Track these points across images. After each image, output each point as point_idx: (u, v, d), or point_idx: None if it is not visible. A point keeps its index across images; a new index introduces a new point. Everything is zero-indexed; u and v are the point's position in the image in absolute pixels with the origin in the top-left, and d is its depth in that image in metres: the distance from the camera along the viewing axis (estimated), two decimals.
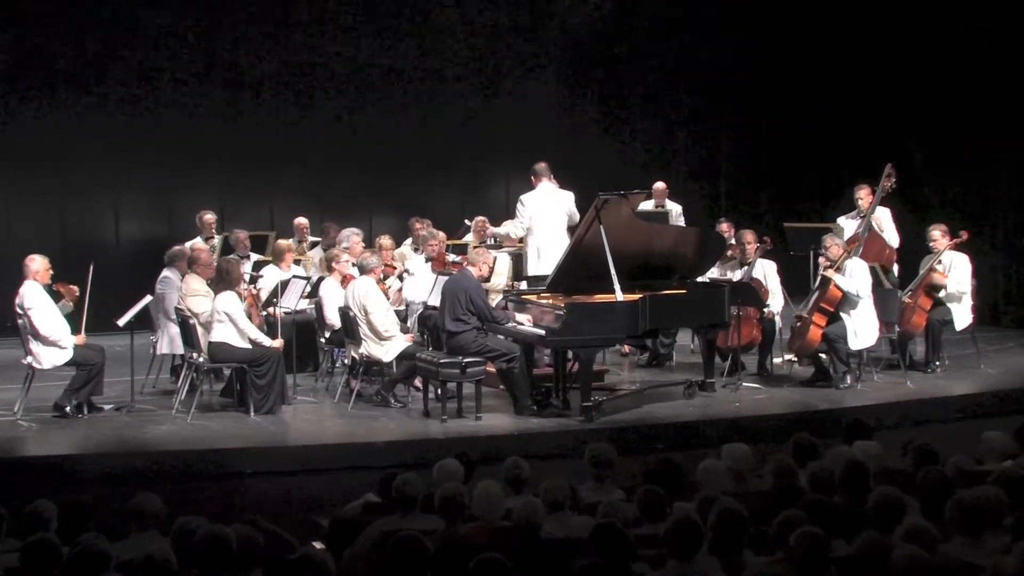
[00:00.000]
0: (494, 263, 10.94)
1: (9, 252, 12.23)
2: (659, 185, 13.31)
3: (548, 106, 15.99)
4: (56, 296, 9.80)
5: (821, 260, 10.73)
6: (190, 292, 10.05)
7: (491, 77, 15.95)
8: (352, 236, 11.53)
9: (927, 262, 11.25)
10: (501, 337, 9.88)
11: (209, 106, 14.82)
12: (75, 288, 9.90)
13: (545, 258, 10.75)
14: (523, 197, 10.98)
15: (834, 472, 5.80)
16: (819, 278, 10.74)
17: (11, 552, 5.23)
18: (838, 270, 10.46)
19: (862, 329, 10.47)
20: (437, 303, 10.44)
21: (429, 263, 11.50)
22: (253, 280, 10.39)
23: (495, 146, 15.54)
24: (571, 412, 9.72)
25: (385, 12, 15.46)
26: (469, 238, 12.89)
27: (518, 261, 11.47)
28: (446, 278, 10.32)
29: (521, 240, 11.29)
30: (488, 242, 11.63)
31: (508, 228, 11.23)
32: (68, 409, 9.67)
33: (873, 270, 10.78)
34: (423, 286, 11.04)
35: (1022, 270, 14.38)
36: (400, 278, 11.27)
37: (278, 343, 9.90)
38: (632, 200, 10.12)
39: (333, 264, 10.98)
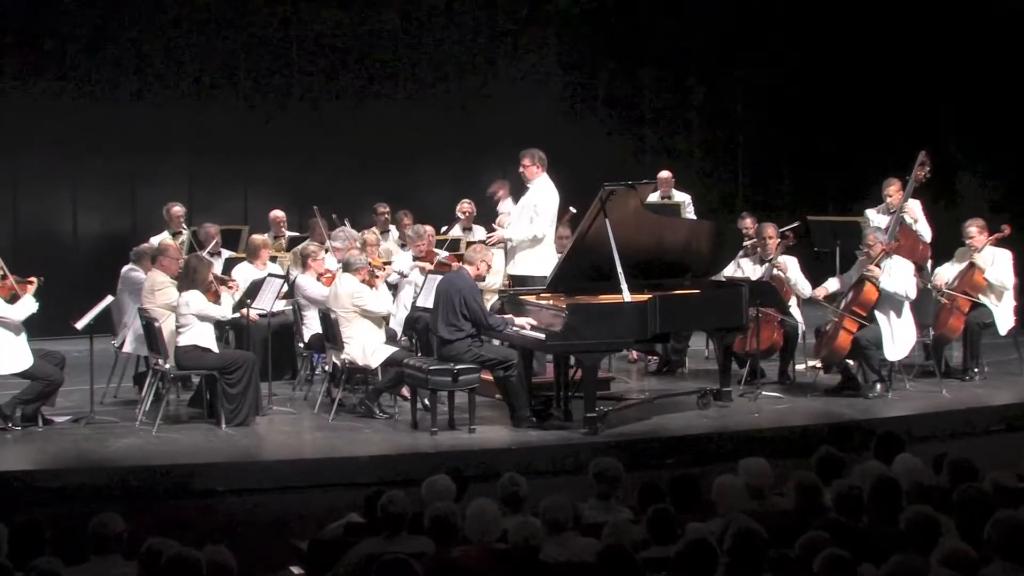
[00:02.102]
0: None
1: None
2: (664, 174, 13.29)
3: (547, 91, 15.98)
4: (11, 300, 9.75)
5: (861, 258, 10.70)
6: (156, 287, 10.03)
7: (486, 59, 15.94)
8: (349, 240, 11.47)
9: (962, 254, 11.24)
10: (496, 342, 9.88)
11: (176, 90, 14.79)
12: (32, 280, 9.86)
13: (546, 258, 10.70)
14: (548, 194, 10.72)
15: (862, 489, 5.81)
16: (855, 277, 10.72)
17: None
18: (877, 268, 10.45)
19: (900, 334, 10.45)
20: (428, 304, 10.44)
21: (416, 261, 11.49)
22: (223, 282, 10.36)
23: (490, 134, 15.53)
24: (574, 424, 9.73)
25: None
26: (456, 232, 12.88)
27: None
28: (439, 278, 10.31)
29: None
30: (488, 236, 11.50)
31: (537, 232, 10.70)
32: (10, 421, 9.62)
33: None
34: (414, 282, 11.09)
35: None
36: (391, 286, 11.23)
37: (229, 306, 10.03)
38: (641, 191, 10.12)
39: (309, 261, 10.97)
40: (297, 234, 13.02)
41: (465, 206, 13.15)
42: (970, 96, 14.49)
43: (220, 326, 10.34)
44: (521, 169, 10.82)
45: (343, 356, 10.08)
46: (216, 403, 9.83)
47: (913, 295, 10.43)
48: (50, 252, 13.79)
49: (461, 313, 9.55)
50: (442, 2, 15.73)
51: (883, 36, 15.54)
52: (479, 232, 13.02)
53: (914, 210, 11.38)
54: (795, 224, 11.57)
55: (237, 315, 10.27)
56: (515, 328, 9.66)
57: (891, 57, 15.49)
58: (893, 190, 11.45)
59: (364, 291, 10.08)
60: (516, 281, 10.79)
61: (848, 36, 15.85)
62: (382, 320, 10.33)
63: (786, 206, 15.77)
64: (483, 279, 10.37)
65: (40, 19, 14.23)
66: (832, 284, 10.95)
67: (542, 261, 10.67)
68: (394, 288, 11.28)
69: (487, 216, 12.82)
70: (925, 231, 11.45)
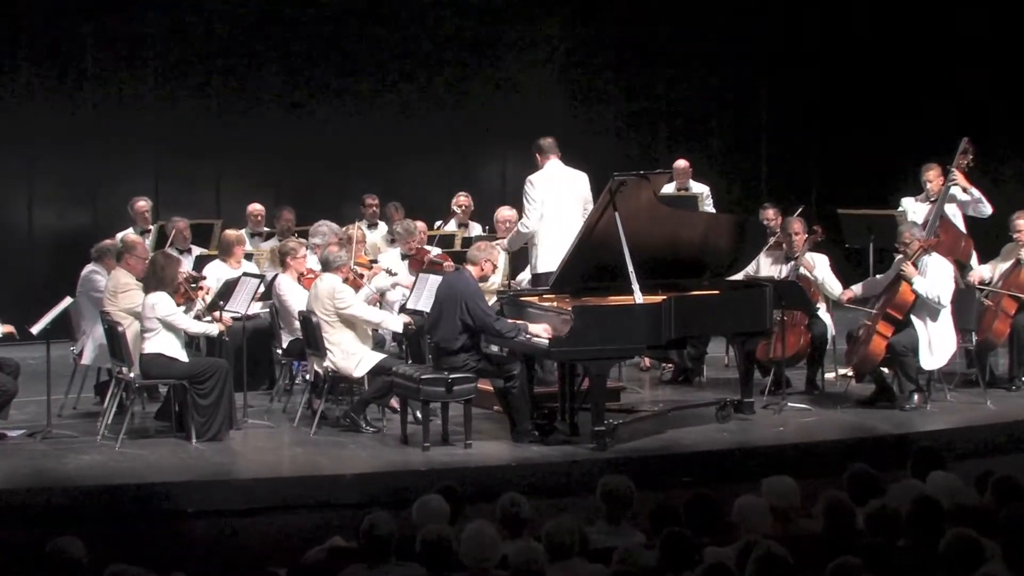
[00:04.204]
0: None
1: None
2: (680, 163, 13.31)
3: (551, 74, 15.98)
4: None
5: (898, 257, 10.68)
6: (120, 288, 10.03)
7: (484, 40, 15.94)
8: (331, 235, 11.46)
9: (1009, 251, 11.23)
10: (496, 348, 9.87)
11: (142, 76, 14.79)
12: None
13: (557, 253, 10.70)
14: (531, 178, 10.88)
15: (899, 511, 5.81)
16: (891, 277, 10.70)
17: None
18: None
19: (938, 342, 10.43)
20: (419, 306, 10.43)
21: (407, 261, 11.51)
22: (195, 281, 10.36)
23: (489, 122, 15.54)
24: (580, 438, 9.73)
25: None
26: (451, 227, 12.89)
27: (518, 256, 11.44)
28: (431, 277, 10.30)
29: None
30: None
31: (522, 227, 10.89)
32: None
33: None
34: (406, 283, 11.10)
35: None
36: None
37: (217, 327, 10.04)
38: (654, 182, 10.13)
39: (288, 259, 10.95)
40: (269, 229, 13.02)
41: (461, 199, 13.16)
42: (1012, 74, 14.48)
43: None
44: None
45: (325, 364, 10.07)
46: (186, 416, 9.83)
47: (946, 303, 10.40)
48: (3, 251, 13.79)
49: (461, 319, 9.53)
50: None
51: (916, 11, 15.55)
52: (476, 228, 13.03)
53: (962, 178, 11.30)
54: (800, 209, 11.55)
55: (210, 326, 10.23)
56: (527, 336, 9.59)
57: (926, 34, 15.49)
58: (933, 175, 11.45)
59: (347, 292, 10.06)
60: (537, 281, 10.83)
61: (878, 11, 15.85)
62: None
63: (814, 199, 15.78)
64: (487, 280, 10.35)
65: None
66: (857, 288, 10.90)
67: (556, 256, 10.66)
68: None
69: (486, 212, 12.82)
70: (983, 205, 11.37)
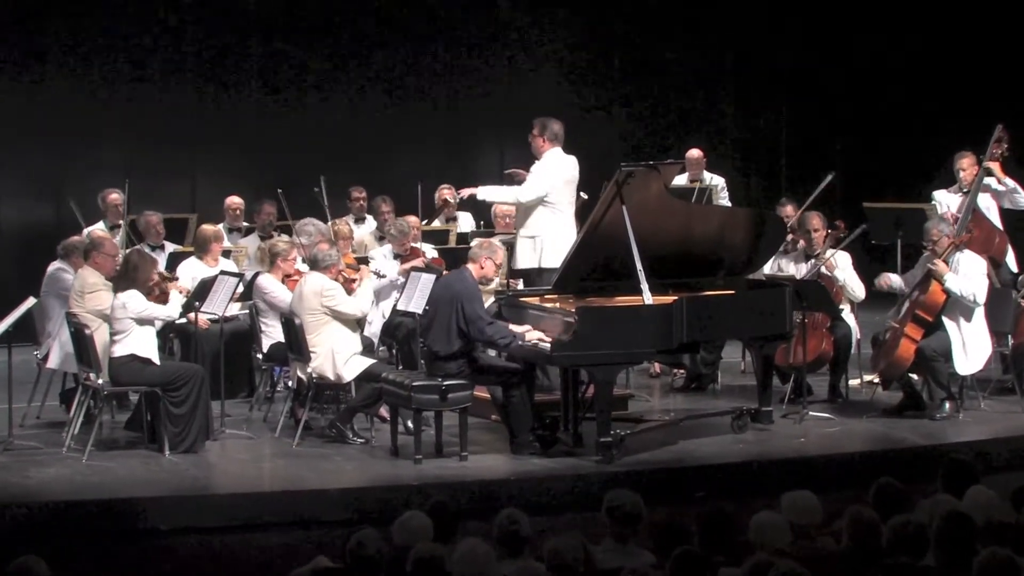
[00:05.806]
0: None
1: None
2: (693, 153, 13.34)
3: (552, 58, 15.99)
4: None
5: (926, 254, 10.67)
6: (88, 288, 10.02)
7: (481, 23, 15.96)
8: (318, 235, 11.45)
9: None
10: (493, 352, 9.86)
11: (110, 61, 14.81)
12: None
13: (554, 248, 10.69)
14: (543, 162, 10.78)
15: (928, 527, 5.80)
16: (919, 276, 10.70)
17: None
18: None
19: (972, 345, 10.43)
20: (411, 307, 10.43)
21: (398, 260, 11.51)
22: (167, 281, 10.35)
23: (486, 111, 15.54)
24: (585, 450, 9.73)
25: None
26: (438, 223, 12.90)
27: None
28: (423, 276, 10.29)
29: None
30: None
31: (519, 194, 10.82)
32: None
33: None
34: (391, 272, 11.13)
35: None
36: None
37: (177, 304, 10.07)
38: (664, 173, 10.14)
39: (279, 261, 10.92)
40: (249, 224, 13.02)
41: (445, 192, 13.15)
42: None
43: (163, 334, 10.32)
44: (529, 138, 10.85)
45: (309, 369, 10.08)
46: (158, 426, 9.83)
47: (982, 300, 10.41)
48: None
49: (457, 324, 9.51)
50: None
51: None
52: (466, 220, 13.02)
53: (996, 168, 11.31)
54: (860, 229, 11.50)
55: (184, 320, 10.24)
56: (522, 342, 9.56)
57: (957, 16, 15.51)
58: (967, 163, 11.46)
59: (336, 289, 10.06)
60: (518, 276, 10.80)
61: None
62: (357, 326, 10.31)
63: (838, 191, 15.79)
64: (490, 281, 10.31)
65: None
66: (896, 279, 10.90)
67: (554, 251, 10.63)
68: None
69: (485, 208, 12.80)
70: (1020, 196, 11.39)
